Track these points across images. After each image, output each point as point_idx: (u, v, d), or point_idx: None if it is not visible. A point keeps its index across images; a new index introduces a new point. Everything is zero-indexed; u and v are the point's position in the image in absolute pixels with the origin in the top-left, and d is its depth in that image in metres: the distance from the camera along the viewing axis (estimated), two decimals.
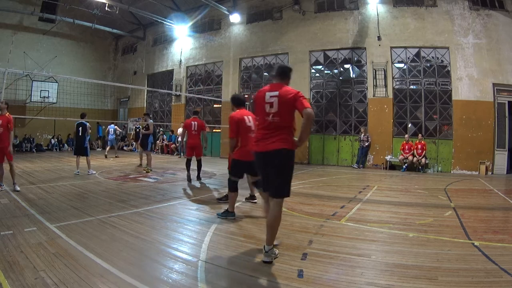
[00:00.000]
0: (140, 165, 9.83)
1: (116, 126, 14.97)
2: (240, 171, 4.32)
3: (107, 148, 13.49)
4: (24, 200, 4.96)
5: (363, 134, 11.36)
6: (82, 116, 8.42)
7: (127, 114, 19.14)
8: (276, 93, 2.91)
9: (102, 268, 2.61)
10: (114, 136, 13.89)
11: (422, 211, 4.92)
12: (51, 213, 4.25)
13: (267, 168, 2.89)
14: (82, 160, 8.21)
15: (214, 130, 14.62)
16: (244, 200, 5.35)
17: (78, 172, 7.98)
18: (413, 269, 2.71)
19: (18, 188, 5.74)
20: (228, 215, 4.25)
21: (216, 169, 9.86)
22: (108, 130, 14.09)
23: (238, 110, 4.35)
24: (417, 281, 2.48)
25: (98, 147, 17.44)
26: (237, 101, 4.47)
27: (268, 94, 2.95)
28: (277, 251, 2.95)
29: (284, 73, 3.10)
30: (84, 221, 3.94)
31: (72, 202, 5.00)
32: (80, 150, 8.20)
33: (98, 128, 17.38)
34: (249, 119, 4.22)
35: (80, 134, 8.12)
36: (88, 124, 8.31)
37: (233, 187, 4.32)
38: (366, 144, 11.30)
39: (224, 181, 7.69)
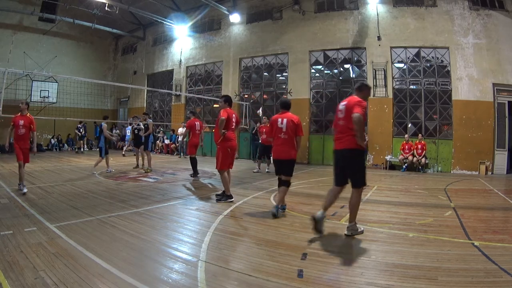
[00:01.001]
0: (137, 166, 9.54)
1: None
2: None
3: (131, 148, 13.97)
4: (24, 200, 4.96)
5: None
6: (104, 118, 8.77)
7: (127, 114, 19.12)
8: (345, 102, 3.62)
9: (102, 268, 2.61)
10: (131, 136, 14.33)
11: (422, 211, 4.92)
12: (51, 213, 4.25)
13: (338, 162, 3.64)
14: (116, 158, 8.46)
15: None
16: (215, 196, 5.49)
17: (109, 170, 8.45)
18: (413, 269, 2.71)
19: (25, 190, 5.58)
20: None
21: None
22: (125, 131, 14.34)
23: (281, 113, 4.67)
24: (417, 281, 2.48)
25: (94, 147, 17.06)
26: (284, 105, 4.77)
27: (341, 104, 3.69)
28: (361, 228, 3.66)
29: (359, 88, 3.76)
30: (84, 221, 3.94)
31: (72, 202, 5.00)
32: (99, 150, 8.51)
33: (95, 128, 17.07)
34: (282, 121, 4.51)
35: (98, 134, 8.62)
36: (104, 124, 8.57)
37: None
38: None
39: None
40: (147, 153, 9.10)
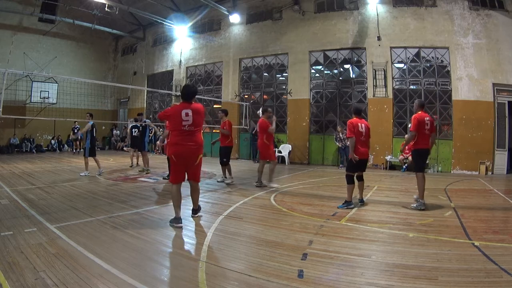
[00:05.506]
0: (133, 165, 9.66)
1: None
2: (355, 167, 5.11)
3: (125, 149, 14.53)
4: (24, 201, 4.96)
5: (340, 133, 10.94)
6: (136, 118, 9.48)
7: (127, 114, 19.13)
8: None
9: (102, 268, 2.61)
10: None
11: (422, 211, 4.91)
12: (51, 214, 4.25)
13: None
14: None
15: (214, 131, 14.60)
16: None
17: (136, 167, 9.08)
18: (413, 269, 2.71)
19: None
20: (349, 205, 5.02)
21: (216, 170, 9.85)
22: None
23: (355, 118, 5.19)
24: (417, 281, 2.48)
25: (77, 149, 15.74)
26: (356, 111, 5.34)
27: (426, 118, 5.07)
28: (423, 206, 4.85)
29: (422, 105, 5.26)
30: (84, 222, 3.94)
31: (72, 202, 5.00)
32: (139, 146, 9.19)
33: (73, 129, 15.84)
34: (362, 126, 5.11)
35: (133, 134, 9.23)
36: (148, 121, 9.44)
37: (351, 180, 5.08)
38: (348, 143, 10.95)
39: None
40: (144, 154, 9.11)
